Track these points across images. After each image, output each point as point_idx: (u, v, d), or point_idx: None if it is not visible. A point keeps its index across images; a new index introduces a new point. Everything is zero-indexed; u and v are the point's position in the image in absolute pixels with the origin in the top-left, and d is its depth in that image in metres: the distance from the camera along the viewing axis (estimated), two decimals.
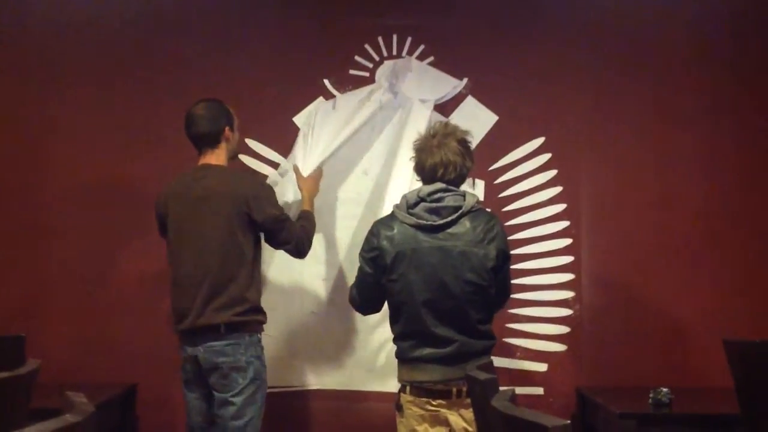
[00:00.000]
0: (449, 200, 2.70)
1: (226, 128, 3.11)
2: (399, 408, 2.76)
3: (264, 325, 3.10)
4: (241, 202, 2.99)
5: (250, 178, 3.22)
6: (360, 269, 2.86)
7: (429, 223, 2.69)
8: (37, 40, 3.73)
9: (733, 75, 3.71)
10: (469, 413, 2.65)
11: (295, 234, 3.13)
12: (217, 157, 3.10)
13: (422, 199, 2.72)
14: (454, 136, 2.76)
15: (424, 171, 2.76)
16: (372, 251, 2.78)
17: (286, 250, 3.17)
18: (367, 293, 2.87)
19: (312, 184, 3.35)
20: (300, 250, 3.17)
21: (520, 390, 3.47)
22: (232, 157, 3.22)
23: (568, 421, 1.31)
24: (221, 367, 2.95)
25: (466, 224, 2.69)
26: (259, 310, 3.07)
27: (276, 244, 3.14)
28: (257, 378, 3.01)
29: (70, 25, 3.73)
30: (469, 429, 2.66)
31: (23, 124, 3.71)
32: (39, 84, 3.72)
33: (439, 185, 2.73)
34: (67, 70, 3.72)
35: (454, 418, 2.68)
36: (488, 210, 2.86)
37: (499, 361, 3.35)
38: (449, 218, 2.68)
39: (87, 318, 3.63)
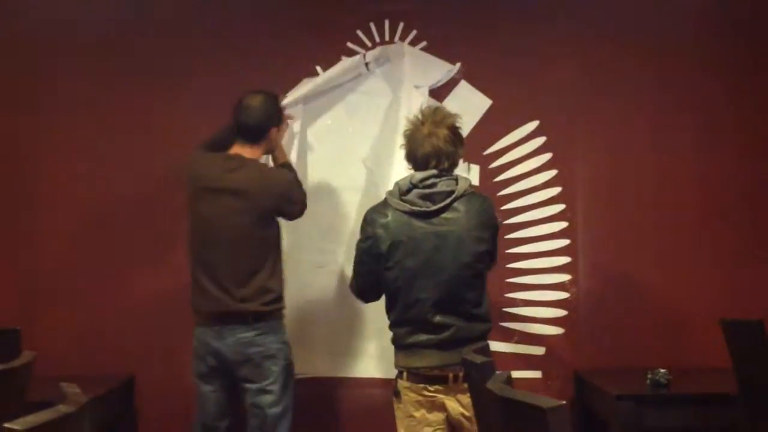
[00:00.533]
0: (442, 185, 2.69)
1: (273, 129, 3.11)
2: (396, 394, 2.75)
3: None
4: (273, 202, 3.02)
5: (281, 175, 3.18)
6: (357, 258, 2.84)
7: (423, 209, 2.68)
8: (30, 42, 3.70)
9: (730, 53, 3.69)
10: (466, 398, 2.65)
11: (300, 206, 3.16)
12: (253, 151, 3.08)
13: (415, 186, 2.70)
14: (444, 123, 2.74)
15: (417, 161, 2.75)
16: (367, 240, 2.77)
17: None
18: (365, 281, 2.85)
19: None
20: (302, 213, 3.21)
21: (518, 374, 3.46)
22: (269, 152, 3.20)
23: (564, 402, 1.30)
24: (253, 358, 2.96)
25: (460, 209, 2.68)
26: (281, 299, 3.08)
27: (288, 220, 3.18)
28: (288, 363, 3.05)
29: (62, 24, 3.71)
30: (466, 414, 2.66)
31: (20, 121, 3.68)
32: (34, 76, 3.69)
33: (431, 171, 2.71)
34: (61, 63, 3.69)
35: (451, 403, 2.68)
36: (481, 193, 2.85)
37: (496, 345, 3.36)
38: (442, 203, 2.67)
39: (84, 311, 3.62)
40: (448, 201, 2.67)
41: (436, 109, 2.81)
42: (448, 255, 2.65)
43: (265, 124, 3.07)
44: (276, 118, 3.11)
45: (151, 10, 3.71)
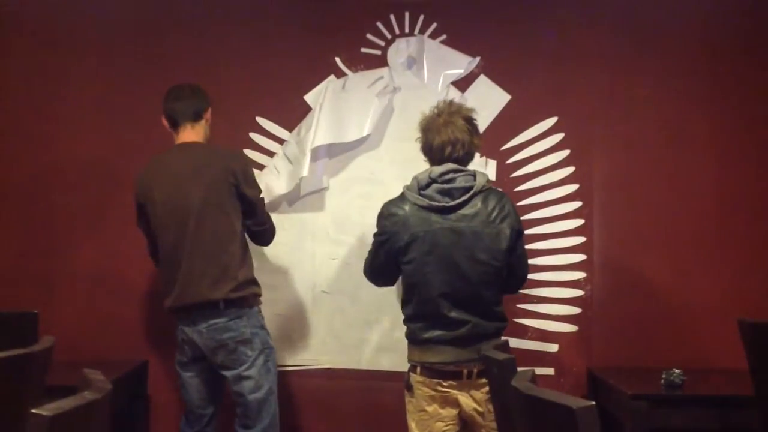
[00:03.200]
0: (461, 181, 2.69)
1: (209, 108, 3.10)
2: (409, 388, 2.75)
3: (261, 298, 3.09)
4: (229, 174, 2.96)
5: (235, 152, 3.21)
6: (373, 249, 2.84)
7: (441, 204, 2.67)
8: (39, 26, 3.70)
9: (748, 55, 3.66)
10: (479, 394, 2.65)
11: (269, 217, 3.15)
12: (197, 134, 3.07)
13: (434, 180, 2.70)
14: (459, 113, 2.75)
15: (432, 150, 2.74)
16: (383, 234, 2.77)
17: (258, 232, 3.14)
18: (379, 270, 2.86)
19: None
20: (271, 235, 3.19)
21: None
22: (207, 135, 3.15)
23: (593, 403, 1.29)
24: (227, 344, 2.94)
25: (477, 204, 2.68)
26: (254, 282, 3.04)
27: (252, 223, 3.10)
28: (265, 347, 3.02)
29: (86, 7, 3.71)
30: (479, 410, 2.66)
31: (38, 106, 3.68)
32: (44, 72, 3.68)
33: (450, 166, 2.71)
34: (71, 54, 3.69)
35: (464, 399, 2.68)
36: (498, 189, 2.84)
37: (509, 342, 3.34)
38: (461, 199, 2.67)
39: (97, 296, 3.63)
40: (466, 197, 2.67)
41: (452, 102, 2.82)
42: (464, 251, 2.65)
43: (202, 102, 3.07)
44: (207, 100, 3.11)
45: (171, 4, 3.71)
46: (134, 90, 3.66)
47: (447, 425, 2.70)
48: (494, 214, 2.67)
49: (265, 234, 3.17)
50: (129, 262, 3.63)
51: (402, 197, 2.76)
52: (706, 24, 3.68)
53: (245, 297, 2.98)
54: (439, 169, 2.71)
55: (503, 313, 2.76)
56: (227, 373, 2.98)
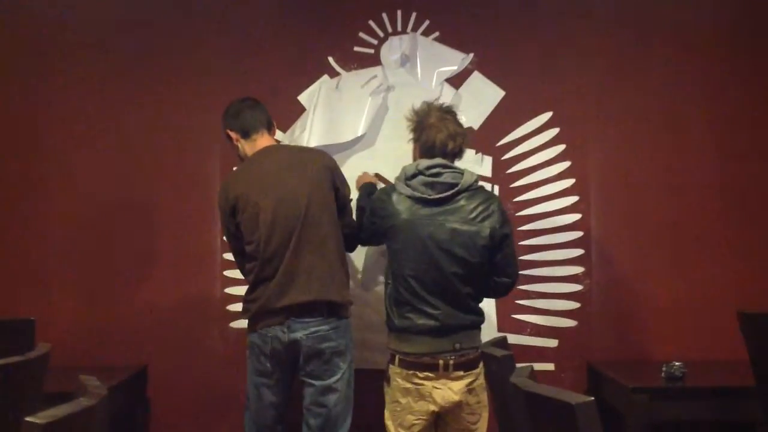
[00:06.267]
0: (447, 177, 2.74)
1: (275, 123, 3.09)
2: (387, 380, 2.80)
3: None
4: (328, 171, 2.90)
5: (322, 152, 3.09)
6: (364, 223, 2.94)
7: (423, 196, 2.73)
8: (36, 37, 3.69)
9: (745, 47, 3.66)
10: (457, 385, 2.69)
11: (349, 190, 3.05)
12: (273, 142, 3.03)
13: (420, 173, 2.76)
14: (446, 110, 2.82)
15: (435, 147, 2.78)
16: (373, 216, 2.85)
17: (348, 235, 2.99)
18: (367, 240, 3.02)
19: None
20: (356, 241, 3.07)
21: None
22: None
23: (592, 398, 1.28)
24: (324, 353, 2.80)
25: (461, 201, 2.73)
26: (349, 288, 2.93)
27: (344, 225, 2.98)
28: (352, 360, 2.92)
29: (70, 14, 3.70)
30: (457, 399, 2.68)
31: (26, 117, 3.66)
32: (39, 78, 3.67)
33: (438, 160, 2.77)
34: (67, 56, 3.68)
35: (440, 392, 2.70)
36: (488, 189, 2.85)
37: (509, 338, 3.33)
38: (443, 194, 2.72)
39: (95, 301, 3.61)
40: (449, 193, 2.73)
41: (431, 103, 2.87)
42: (441, 244, 2.70)
43: (268, 114, 3.04)
44: None
45: (163, 4, 3.69)
46: (127, 94, 3.65)
47: (417, 419, 2.73)
48: (476, 213, 2.72)
49: (352, 238, 3.04)
50: (126, 268, 3.62)
51: (393, 186, 2.83)
52: (701, 17, 3.68)
53: (345, 306, 2.87)
54: (426, 162, 2.77)
55: (479, 308, 2.80)
56: (315, 382, 2.82)
